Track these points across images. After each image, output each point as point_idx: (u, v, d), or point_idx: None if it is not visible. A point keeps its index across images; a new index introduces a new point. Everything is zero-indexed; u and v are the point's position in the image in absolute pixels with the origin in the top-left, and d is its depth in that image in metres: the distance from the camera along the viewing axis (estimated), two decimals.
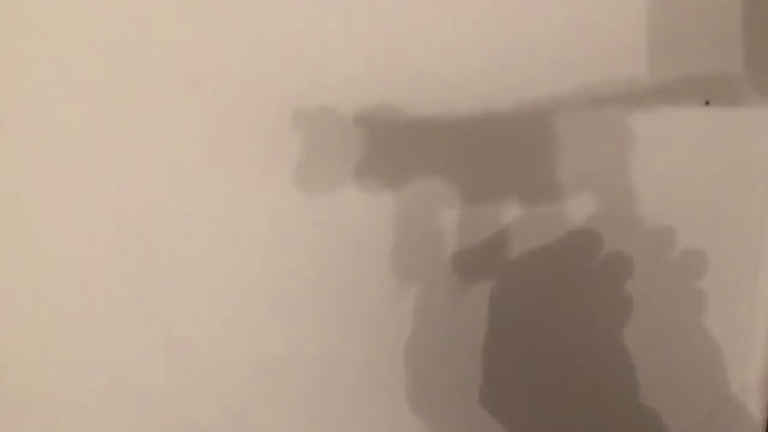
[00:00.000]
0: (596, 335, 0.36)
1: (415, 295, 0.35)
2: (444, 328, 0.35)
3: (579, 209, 0.34)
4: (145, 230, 0.34)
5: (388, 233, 0.34)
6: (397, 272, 0.35)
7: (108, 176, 0.33)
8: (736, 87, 0.34)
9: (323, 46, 0.32)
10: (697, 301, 0.36)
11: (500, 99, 0.33)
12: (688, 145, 0.34)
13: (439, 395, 0.36)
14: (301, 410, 0.36)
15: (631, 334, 0.36)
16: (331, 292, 0.35)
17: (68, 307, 0.34)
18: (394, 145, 0.33)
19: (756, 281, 0.36)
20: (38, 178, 0.33)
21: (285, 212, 0.34)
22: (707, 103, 0.34)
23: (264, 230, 0.34)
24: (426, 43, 0.32)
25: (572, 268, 0.35)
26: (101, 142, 0.32)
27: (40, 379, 0.35)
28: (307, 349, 0.35)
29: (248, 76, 0.32)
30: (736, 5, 0.32)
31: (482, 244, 0.34)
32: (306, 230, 0.34)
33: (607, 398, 0.37)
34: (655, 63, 0.33)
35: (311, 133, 0.33)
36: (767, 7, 0.32)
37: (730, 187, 0.35)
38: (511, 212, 0.34)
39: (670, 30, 0.32)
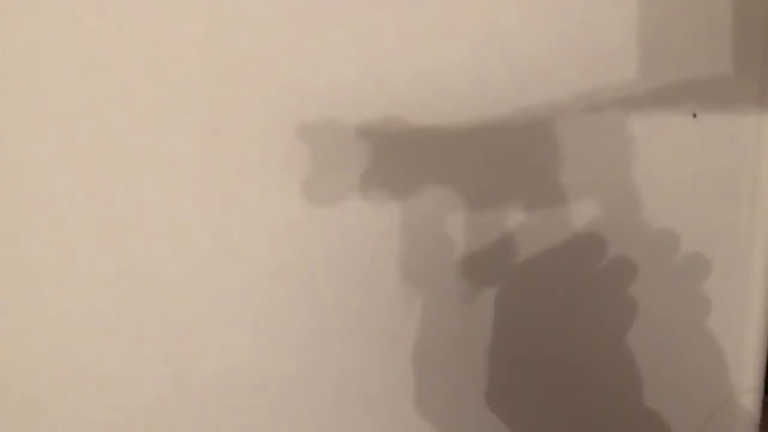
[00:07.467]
0: (600, 338, 0.36)
1: (423, 303, 0.35)
2: (452, 334, 0.35)
3: (581, 214, 0.35)
4: (149, 242, 0.33)
5: (394, 243, 0.34)
6: (404, 281, 0.34)
7: (110, 190, 0.32)
8: (725, 94, 0.35)
9: (327, 57, 0.32)
10: (699, 305, 0.36)
11: (498, 107, 0.33)
12: (676, 152, 0.35)
13: (448, 401, 0.36)
14: (307, 421, 0.36)
15: (634, 337, 0.36)
16: (339, 303, 0.34)
17: (67, 320, 0.33)
18: (399, 156, 0.33)
19: (748, 286, 0.37)
20: (36, 185, 0.32)
21: (291, 225, 0.33)
22: (695, 115, 0.35)
23: (271, 243, 0.34)
24: (426, 54, 0.33)
25: (576, 272, 0.35)
26: (104, 154, 0.32)
27: (37, 393, 0.34)
28: (315, 359, 0.35)
29: (252, 89, 0.32)
30: (727, 13, 0.33)
31: (487, 250, 0.34)
32: (313, 242, 0.34)
33: (610, 400, 0.37)
34: (646, 70, 0.33)
35: (316, 145, 0.33)
36: (757, 15, 0.34)
37: (718, 194, 0.36)
38: (514, 218, 0.34)
39: (661, 38, 0.33)
